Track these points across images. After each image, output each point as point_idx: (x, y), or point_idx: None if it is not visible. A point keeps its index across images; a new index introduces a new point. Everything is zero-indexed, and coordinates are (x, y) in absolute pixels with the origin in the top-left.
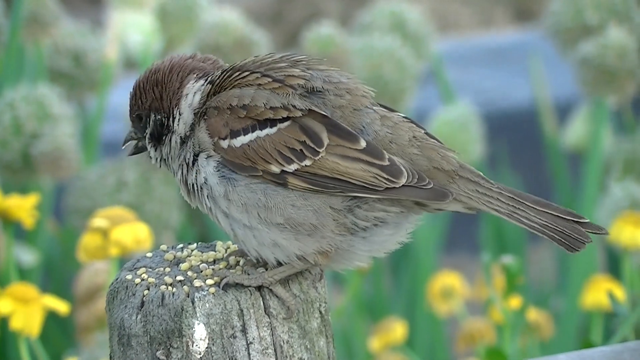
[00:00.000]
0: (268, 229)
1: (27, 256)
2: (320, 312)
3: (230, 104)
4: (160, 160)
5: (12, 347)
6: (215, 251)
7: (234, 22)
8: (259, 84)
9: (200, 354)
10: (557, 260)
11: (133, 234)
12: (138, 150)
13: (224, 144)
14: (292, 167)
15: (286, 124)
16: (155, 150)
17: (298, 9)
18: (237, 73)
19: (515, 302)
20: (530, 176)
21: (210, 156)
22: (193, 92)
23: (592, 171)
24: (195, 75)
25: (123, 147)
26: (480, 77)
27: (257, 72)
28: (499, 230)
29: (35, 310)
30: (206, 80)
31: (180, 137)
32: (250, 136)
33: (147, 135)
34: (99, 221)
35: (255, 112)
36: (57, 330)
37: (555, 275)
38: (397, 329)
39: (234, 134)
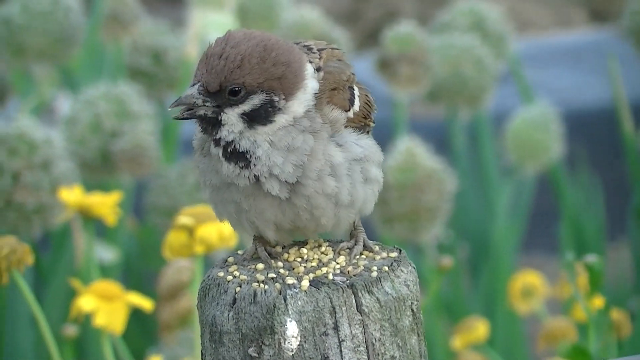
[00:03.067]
0: (381, 172)
1: (107, 254)
2: (412, 310)
3: (344, 79)
4: (238, 140)
5: (92, 345)
6: (307, 248)
7: (313, 20)
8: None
9: (292, 351)
10: (635, 260)
11: (218, 231)
12: (190, 116)
13: (350, 114)
14: (373, 114)
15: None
16: (245, 129)
17: (374, 8)
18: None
19: (598, 301)
20: (609, 176)
21: (346, 129)
22: (311, 76)
23: None
24: (307, 57)
25: (171, 107)
26: (556, 77)
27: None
28: (578, 230)
29: (119, 308)
30: (314, 67)
31: (294, 117)
32: (358, 98)
33: (240, 113)
34: (184, 219)
35: (353, 79)
36: (136, 328)
37: (633, 274)
38: (479, 328)
39: (351, 102)
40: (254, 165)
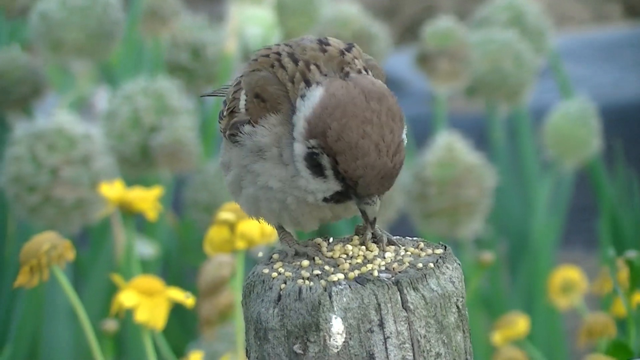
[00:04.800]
0: None
1: (147, 249)
2: (458, 307)
3: (384, 73)
4: None
5: (131, 341)
6: (352, 245)
7: (353, 15)
8: None
9: (337, 348)
10: None
11: (259, 227)
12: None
13: None
14: None
15: None
16: None
17: (412, 3)
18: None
19: (638, 297)
20: None
21: None
22: None
23: None
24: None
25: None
26: (593, 72)
27: None
28: (616, 225)
29: (160, 303)
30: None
31: None
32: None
33: None
34: (225, 214)
35: None
36: (176, 324)
37: None
38: (519, 324)
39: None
40: None
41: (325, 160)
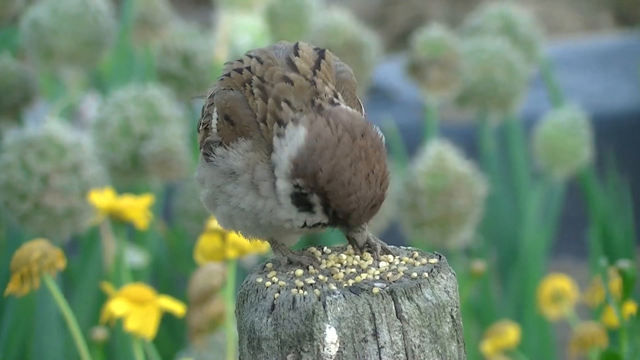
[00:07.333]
0: None
1: (137, 257)
2: (452, 317)
3: (355, 82)
4: None
5: (121, 349)
6: (346, 254)
7: (344, 24)
8: None
9: (331, 357)
10: None
11: None
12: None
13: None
14: None
15: None
16: None
17: (403, 12)
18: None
19: (630, 307)
20: (638, 180)
21: None
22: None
23: None
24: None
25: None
26: (585, 81)
27: None
28: (607, 235)
29: (150, 312)
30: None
31: None
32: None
33: None
34: (216, 223)
35: None
36: (165, 332)
37: None
38: (510, 333)
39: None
40: None
41: (314, 199)
